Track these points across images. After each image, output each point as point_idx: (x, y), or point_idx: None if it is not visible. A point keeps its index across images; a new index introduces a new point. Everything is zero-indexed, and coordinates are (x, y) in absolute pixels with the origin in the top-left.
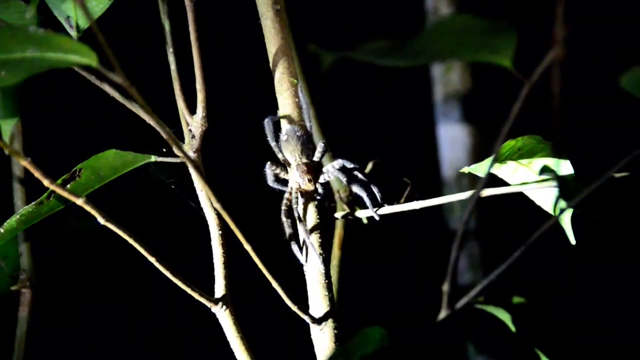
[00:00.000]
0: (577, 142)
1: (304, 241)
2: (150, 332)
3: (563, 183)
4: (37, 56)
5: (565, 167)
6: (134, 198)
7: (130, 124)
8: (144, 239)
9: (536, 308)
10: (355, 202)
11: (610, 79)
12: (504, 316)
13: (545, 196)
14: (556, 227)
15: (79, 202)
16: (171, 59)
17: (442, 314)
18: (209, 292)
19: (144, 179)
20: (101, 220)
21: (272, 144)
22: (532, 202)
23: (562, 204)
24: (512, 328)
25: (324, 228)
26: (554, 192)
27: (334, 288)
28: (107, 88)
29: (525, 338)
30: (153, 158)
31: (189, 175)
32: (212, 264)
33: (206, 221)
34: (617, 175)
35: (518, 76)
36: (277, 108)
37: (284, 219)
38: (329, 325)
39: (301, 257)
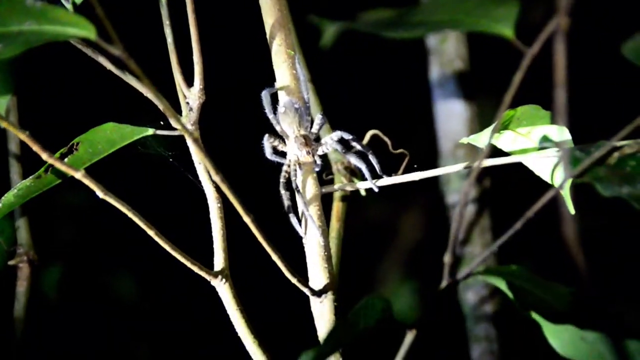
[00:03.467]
0: (577, 111)
1: (302, 213)
2: (150, 306)
3: (563, 152)
4: (35, 29)
5: (564, 137)
6: (132, 172)
7: (127, 97)
8: (142, 212)
9: (534, 275)
10: (353, 173)
11: (612, 47)
12: (502, 284)
13: (545, 166)
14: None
15: (78, 175)
16: (168, 31)
17: (443, 284)
18: (209, 265)
19: (141, 152)
20: (100, 194)
21: (270, 116)
22: (531, 173)
23: (563, 173)
24: (510, 295)
25: (322, 200)
26: (554, 161)
27: (334, 260)
28: (103, 61)
29: (524, 304)
30: (151, 131)
31: (187, 148)
32: (212, 237)
33: (204, 194)
34: (619, 144)
35: (520, 46)
36: (274, 80)
37: (282, 191)
38: (328, 298)
39: (300, 230)
